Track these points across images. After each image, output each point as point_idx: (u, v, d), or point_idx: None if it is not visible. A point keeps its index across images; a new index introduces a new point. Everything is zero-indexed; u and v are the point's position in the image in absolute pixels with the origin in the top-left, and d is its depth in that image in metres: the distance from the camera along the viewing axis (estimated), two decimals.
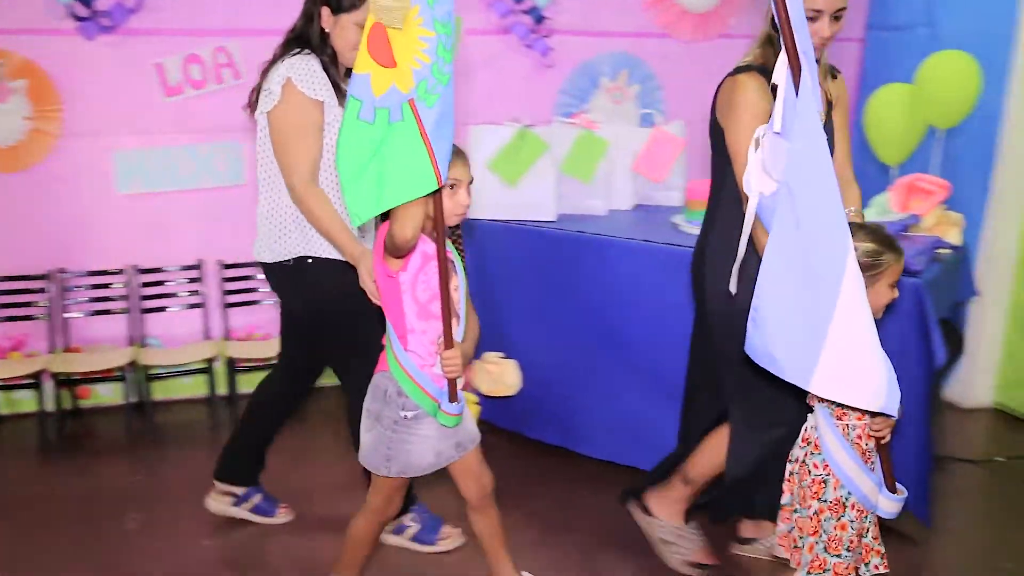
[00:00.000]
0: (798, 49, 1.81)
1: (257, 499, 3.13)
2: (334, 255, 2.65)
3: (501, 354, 3.48)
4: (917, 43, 4.28)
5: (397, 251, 2.16)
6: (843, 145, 2.59)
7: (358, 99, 2.10)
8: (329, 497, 3.32)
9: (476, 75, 4.25)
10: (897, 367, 2.86)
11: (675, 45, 4.51)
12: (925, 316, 2.89)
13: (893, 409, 2.02)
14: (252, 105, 2.70)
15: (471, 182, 2.25)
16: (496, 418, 3.68)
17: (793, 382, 1.98)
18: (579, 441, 3.55)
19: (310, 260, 2.68)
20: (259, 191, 2.74)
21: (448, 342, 2.24)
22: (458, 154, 2.20)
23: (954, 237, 3.33)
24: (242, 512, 3.12)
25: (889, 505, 2.19)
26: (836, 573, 2.19)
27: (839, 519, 2.17)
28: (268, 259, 2.74)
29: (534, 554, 2.89)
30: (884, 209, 3.42)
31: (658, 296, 3.22)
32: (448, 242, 2.22)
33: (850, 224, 1.95)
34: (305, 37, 2.62)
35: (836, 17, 2.41)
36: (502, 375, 3.44)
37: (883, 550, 2.28)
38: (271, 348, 3.71)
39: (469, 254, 3.60)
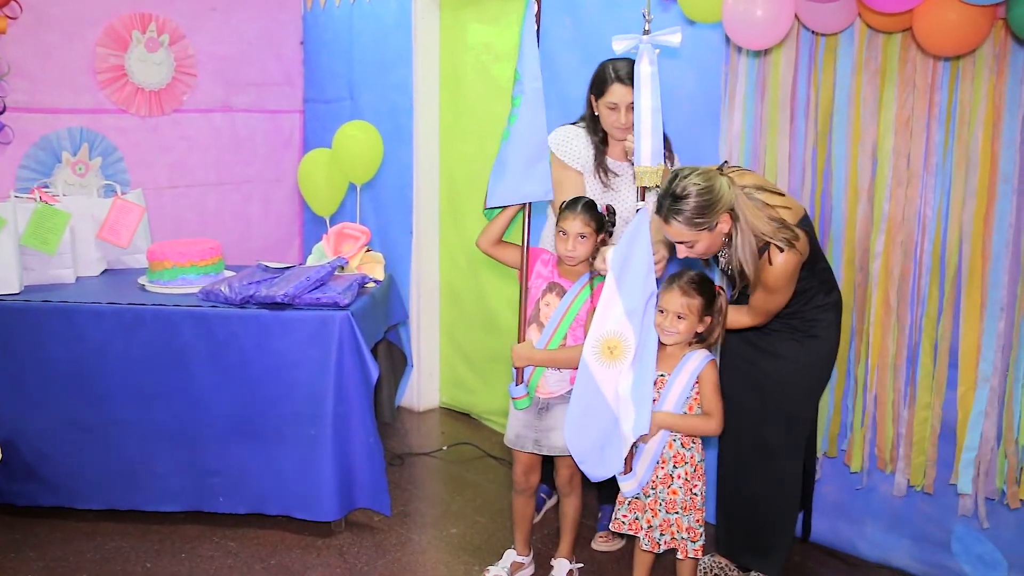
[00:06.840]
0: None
1: None
2: None
3: None
4: (343, 114, 4.88)
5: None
6: None
7: None
8: None
9: None
10: (342, 387, 3.50)
11: (133, 120, 4.69)
12: (357, 341, 3.41)
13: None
14: None
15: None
16: None
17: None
18: (75, 497, 3.62)
19: None
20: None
21: (520, 337, 3.00)
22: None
23: (378, 273, 4.00)
24: None
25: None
26: None
27: None
28: None
29: None
30: (322, 255, 4.02)
31: (127, 351, 3.47)
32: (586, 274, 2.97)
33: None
34: (586, 116, 3.18)
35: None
36: None
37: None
38: None
39: None
